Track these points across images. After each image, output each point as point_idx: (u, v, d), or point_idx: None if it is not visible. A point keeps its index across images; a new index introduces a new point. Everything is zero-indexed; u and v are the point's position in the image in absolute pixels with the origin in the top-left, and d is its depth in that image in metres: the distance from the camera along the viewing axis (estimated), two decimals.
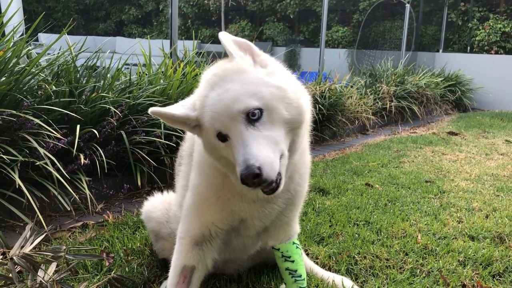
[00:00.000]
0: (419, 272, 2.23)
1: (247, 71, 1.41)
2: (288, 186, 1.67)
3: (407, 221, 2.90)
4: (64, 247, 1.76)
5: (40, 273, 1.64)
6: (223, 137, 1.37)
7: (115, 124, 3.22)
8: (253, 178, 1.26)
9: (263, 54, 1.51)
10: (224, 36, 1.49)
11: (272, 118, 1.36)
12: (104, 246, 2.42)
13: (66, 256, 1.70)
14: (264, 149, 1.31)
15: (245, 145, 1.30)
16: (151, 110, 1.44)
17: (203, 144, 1.49)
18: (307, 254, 2.35)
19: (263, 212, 1.68)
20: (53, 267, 1.72)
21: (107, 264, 2.18)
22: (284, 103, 1.38)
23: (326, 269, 2.20)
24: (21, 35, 3.58)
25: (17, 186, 2.50)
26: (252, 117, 1.33)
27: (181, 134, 3.21)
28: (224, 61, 1.48)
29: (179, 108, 1.45)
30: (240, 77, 1.39)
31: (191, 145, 1.80)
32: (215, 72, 1.44)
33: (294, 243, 1.85)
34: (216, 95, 1.37)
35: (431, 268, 2.26)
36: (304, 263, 1.97)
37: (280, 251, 1.82)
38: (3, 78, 2.80)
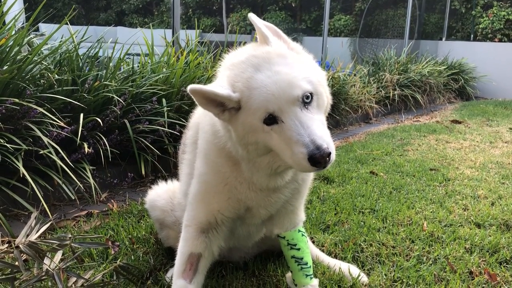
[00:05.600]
0: (426, 259, 2.22)
1: (289, 56, 1.42)
2: (296, 177, 1.68)
3: (413, 208, 2.89)
4: (70, 236, 1.75)
5: (46, 261, 1.64)
6: (272, 119, 1.35)
7: (119, 112, 3.20)
8: (327, 157, 1.30)
9: (292, 41, 1.52)
10: (257, 19, 1.50)
11: (318, 103, 1.40)
12: (109, 234, 2.42)
13: (72, 244, 1.69)
14: (324, 131, 1.36)
15: (305, 126, 1.32)
16: (190, 87, 1.35)
17: (237, 128, 1.42)
18: (313, 242, 2.34)
19: (269, 201, 1.67)
20: (59, 255, 1.72)
21: (112, 252, 2.17)
22: (324, 90, 1.44)
23: (332, 257, 2.20)
24: (21, 24, 3.56)
25: (21, 175, 2.49)
26: (306, 99, 1.36)
27: (184, 122, 3.20)
28: (258, 44, 1.48)
29: (220, 88, 1.38)
30: (286, 61, 1.40)
31: (195, 132, 1.78)
32: (255, 54, 1.41)
33: (299, 231, 1.84)
34: (267, 77, 1.35)
35: (437, 255, 2.25)
36: (310, 251, 1.97)
37: (285, 239, 1.82)
38: (6, 67, 2.78)
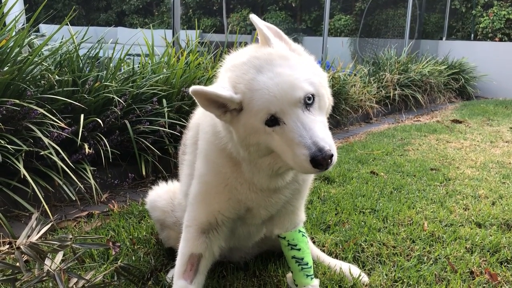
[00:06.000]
0: (427, 259, 2.22)
1: (291, 57, 1.42)
2: (297, 177, 1.68)
3: (413, 208, 2.89)
4: (71, 236, 1.75)
5: (47, 262, 1.64)
6: (274, 121, 1.35)
7: (119, 113, 3.20)
8: (329, 159, 1.30)
9: (293, 43, 1.53)
10: (258, 20, 1.50)
11: (320, 105, 1.41)
12: (110, 235, 2.42)
13: (73, 245, 1.69)
14: (326, 132, 1.36)
15: (307, 128, 1.33)
16: (192, 88, 1.34)
17: (239, 129, 1.42)
18: (314, 242, 2.34)
19: (270, 202, 1.68)
20: (59, 256, 1.72)
21: (113, 253, 2.18)
22: (326, 91, 1.45)
23: (332, 257, 2.20)
24: (22, 26, 3.56)
25: (22, 176, 2.49)
26: (308, 101, 1.36)
27: (185, 123, 3.20)
28: (259, 46, 1.48)
29: (222, 89, 1.37)
30: (288, 63, 1.40)
31: (196, 133, 1.78)
32: (256, 56, 1.41)
33: (300, 231, 1.85)
34: (268, 79, 1.35)
35: (438, 255, 2.25)
36: (311, 251, 1.97)
37: (286, 240, 1.82)
38: (6, 68, 2.79)
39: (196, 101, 1.38)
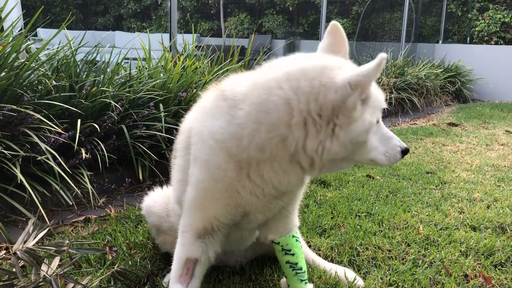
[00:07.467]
0: (421, 262, 2.24)
1: None
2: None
3: (409, 212, 2.91)
4: (67, 241, 1.76)
5: (44, 267, 1.65)
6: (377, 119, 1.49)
7: (116, 118, 3.22)
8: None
9: None
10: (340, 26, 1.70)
11: None
12: (106, 240, 2.43)
13: (69, 250, 1.70)
14: None
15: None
16: (382, 54, 1.32)
17: (363, 122, 1.41)
18: (309, 246, 2.35)
19: (268, 207, 1.68)
20: (56, 261, 1.73)
21: (110, 257, 2.18)
22: None
23: (328, 261, 2.21)
24: (19, 30, 3.57)
25: (19, 181, 2.50)
26: None
27: None
28: (324, 54, 1.61)
29: None
30: None
31: (187, 137, 1.72)
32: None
33: (293, 236, 1.85)
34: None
35: (433, 258, 2.27)
36: (306, 255, 1.98)
37: (280, 245, 1.83)
38: (3, 73, 2.80)
39: (373, 70, 1.33)
